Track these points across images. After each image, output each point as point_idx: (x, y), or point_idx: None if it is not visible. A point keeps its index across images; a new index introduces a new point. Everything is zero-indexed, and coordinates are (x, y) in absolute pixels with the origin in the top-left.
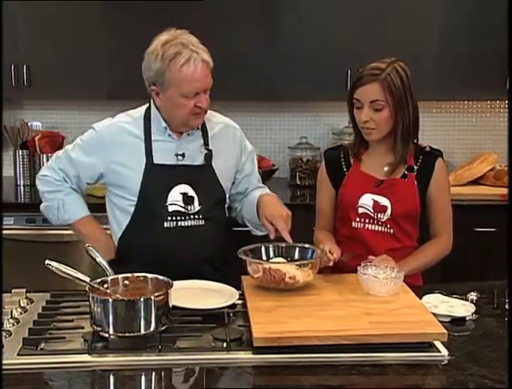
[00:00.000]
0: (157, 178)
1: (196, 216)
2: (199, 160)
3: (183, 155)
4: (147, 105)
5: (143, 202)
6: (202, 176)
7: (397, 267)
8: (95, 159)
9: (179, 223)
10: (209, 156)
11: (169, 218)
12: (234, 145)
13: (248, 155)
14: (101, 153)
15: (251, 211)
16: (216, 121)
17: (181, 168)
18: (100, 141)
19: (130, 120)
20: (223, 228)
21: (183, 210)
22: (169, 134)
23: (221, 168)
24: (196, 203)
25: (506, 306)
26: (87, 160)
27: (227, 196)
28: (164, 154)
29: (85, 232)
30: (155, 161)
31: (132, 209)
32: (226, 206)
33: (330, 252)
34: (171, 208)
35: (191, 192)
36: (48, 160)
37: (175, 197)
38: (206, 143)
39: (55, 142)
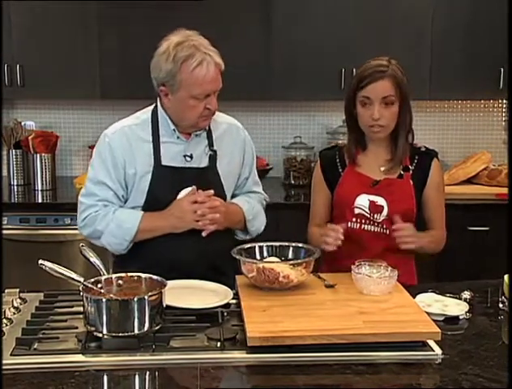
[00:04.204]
0: (165, 180)
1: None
2: (205, 162)
3: (191, 156)
4: (152, 106)
5: (151, 204)
6: (206, 178)
7: (418, 236)
8: (112, 167)
9: None
10: (213, 158)
11: None
12: (238, 145)
13: (249, 156)
14: (115, 159)
15: None
16: (221, 121)
17: (189, 170)
18: (112, 148)
19: (136, 122)
20: (225, 232)
21: None
22: (178, 137)
23: (226, 169)
24: None
25: (500, 305)
26: (108, 172)
27: (227, 199)
28: (172, 155)
29: (156, 224)
30: (163, 163)
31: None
32: None
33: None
34: None
35: None
36: (41, 159)
37: None
38: (210, 144)
39: (49, 141)
